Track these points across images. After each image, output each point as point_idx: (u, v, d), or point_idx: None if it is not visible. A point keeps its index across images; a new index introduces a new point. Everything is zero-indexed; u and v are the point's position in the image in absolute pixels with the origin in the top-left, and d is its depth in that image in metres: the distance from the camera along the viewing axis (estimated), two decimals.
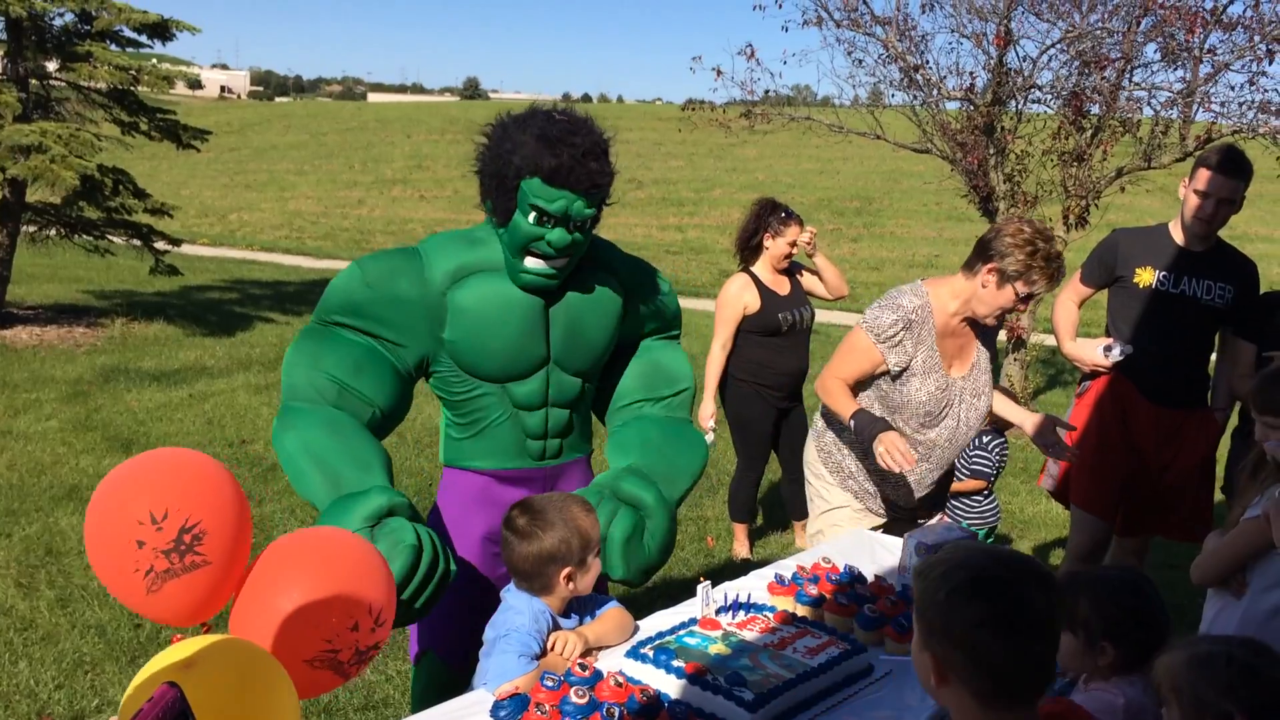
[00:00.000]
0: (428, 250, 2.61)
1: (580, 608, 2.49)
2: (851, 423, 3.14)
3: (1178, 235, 3.98)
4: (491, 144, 2.53)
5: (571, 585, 2.37)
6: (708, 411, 5.32)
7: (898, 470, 2.99)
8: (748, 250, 5.26)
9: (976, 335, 3.39)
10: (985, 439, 4.95)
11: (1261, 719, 1.58)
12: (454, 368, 2.64)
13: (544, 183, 2.42)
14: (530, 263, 2.52)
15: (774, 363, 5.22)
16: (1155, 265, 3.96)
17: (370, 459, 2.47)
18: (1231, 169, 3.78)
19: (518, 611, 2.33)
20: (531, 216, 2.45)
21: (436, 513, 2.80)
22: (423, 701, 2.61)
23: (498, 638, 2.29)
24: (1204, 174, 3.82)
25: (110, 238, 10.78)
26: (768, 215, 5.19)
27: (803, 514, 5.54)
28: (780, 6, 9.29)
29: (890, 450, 2.95)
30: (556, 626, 2.37)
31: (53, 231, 10.60)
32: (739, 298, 5.17)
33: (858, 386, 3.33)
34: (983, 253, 3.17)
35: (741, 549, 5.49)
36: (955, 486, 4.97)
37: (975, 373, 3.39)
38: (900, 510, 3.45)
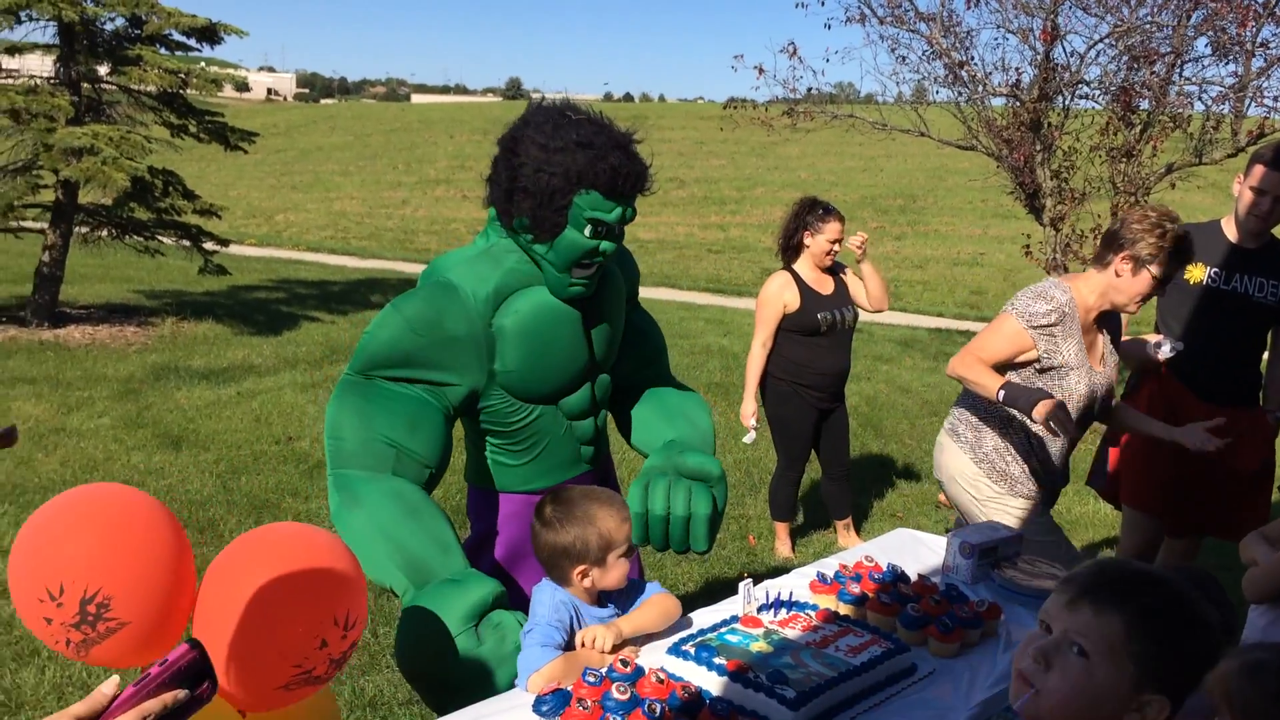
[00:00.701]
0: (459, 280, 2.50)
1: (619, 597, 2.47)
2: (1001, 394, 3.15)
3: (1230, 232, 3.92)
4: (527, 161, 2.39)
5: (589, 582, 2.34)
6: (749, 410, 5.31)
7: (1062, 436, 3.10)
8: (789, 250, 5.24)
9: (1101, 329, 3.48)
10: None
11: None
12: (507, 398, 2.56)
13: (604, 196, 2.37)
14: (577, 273, 2.46)
15: (813, 362, 5.19)
16: (1207, 262, 3.90)
17: (448, 539, 2.40)
18: None
19: (539, 603, 2.33)
20: (588, 230, 2.39)
21: (491, 538, 2.74)
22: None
23: (524, 633, 2.29)
24: (1260, 170, 3.76)
25: (160, 238, 10.96)
26: (807, 213, 5.16)
27: (844, 513, 5.55)
28: (823, 4, 9.29)
29: (1053, 414, 3.00)
30: (579, 616, 2.35)
31: (104, 232, 10.80)
32: (779, 296, 5.15)
33: (996, 372, 3.35)
34: (1112, 243, 3.23)
35: (783, 548, 5.47)
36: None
37: (1107, 366, 3.48)
38: (1044, 479, 3.47)
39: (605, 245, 2.44)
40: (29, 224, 10.59)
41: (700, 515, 2.55)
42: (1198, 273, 3.91)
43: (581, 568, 2.33)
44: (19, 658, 3.97)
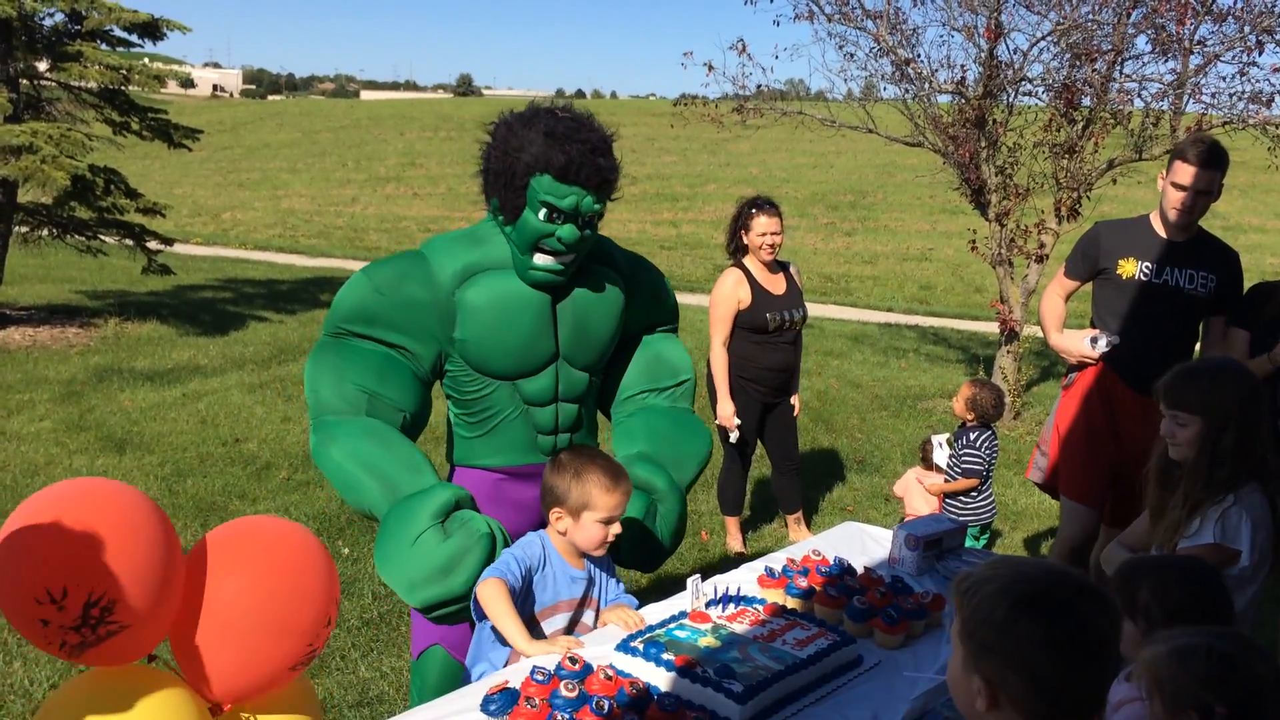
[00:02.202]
0: (432, 252, 2.63)
1: (601, 572, 2.62)
2: None
3: (1158, 226, 4.01)
4: (497, 142, 2.55)
5: (563, 528, 2.49)
6: (727, 411, 5.22)
7: None
8: (737, 250, 5.26)
9: None
10: (973, 435, 4.95)
11: (1242, 712, 1.57)
12: (464, 367, 2.66)
13: (555, 179, 2.45)
14: (539, 259, 2.55)
15: (759, 359, 5.21)
16: (1138, 256, 3.98)
17: (419, 462, 2.54)
18: (1206, 160, 3.79)
19: (518, 542, 2.52)
20: (542, 213, 2.47)
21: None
22: (426, 695, 2.63)
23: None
24: (1179, 166, 3.83)
25: (102, 238, 10.76)
26: (743, 211, 5.21)
27: (795, 507, 5.58)
28: (771, 0, 9.30)
29: None
30: (548, 561, 2.50)
31: (45, 232, 10.58)
32: (733, 293, 5.16)
33: None
34: None
35: (734, 542, 5.50)
36: (948, 487, 4.97)
37: None
38: None
39: (563, 232, 2.49)
40: None
41: (622, 545, 2.66)
42: (1130, 267, 3.99)
43: (557, 511, 2.47)
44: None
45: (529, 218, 2.49)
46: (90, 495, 1.92)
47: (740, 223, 5.20)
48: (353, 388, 2.56)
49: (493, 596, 2.33)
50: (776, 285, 5.24)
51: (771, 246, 5.15)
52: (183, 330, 10.57)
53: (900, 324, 14.14)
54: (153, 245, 10.77)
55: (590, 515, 2.44)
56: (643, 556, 2.68)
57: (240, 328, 10.99)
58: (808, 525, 5.71)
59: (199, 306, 12.26)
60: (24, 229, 10.45)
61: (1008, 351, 8.72)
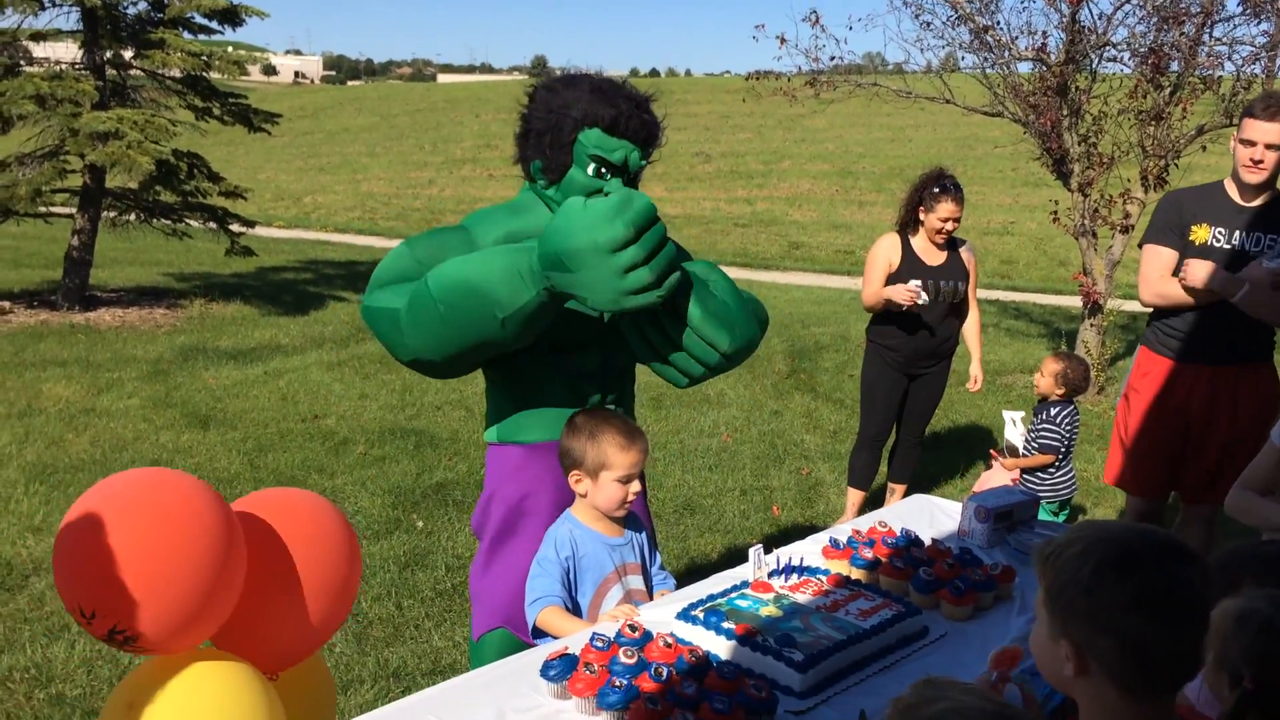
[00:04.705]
0: (474, 223, 2.60)
1: (642, 536, 2.61)
2: None
3: (1232, 191, 3.89)
4: (539, 104, 2.51)
5: (583, 490, 2.50)
6: (907, 288, 4.97)
7: None
8: (908, 225, 5.12)
9: None
10: (1053, 410, 4.84)
11: (1273, 691, 1.50)
12: None
13: (605, 132, 2.42)
14: None
15: (900, 327, 5.11)
16: (1210, 222, 3.89)
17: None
18: (1274, 113, 3.67)
19: (547, 541, 2.52)
20: (591, 168, 2.44)
21: (495, 497, 2.73)
22: None
23: (535, 560, 2.52)
24: (1248, 123, 3.73)
25: (187, 221, 11.03)
26: (925, 189, 5.03)
27: (903, 478, 5.48)
28: None
29: None
30: (577, 545, 2.49)
31: (132, 216, 10.88)
32: (885, 254, 5.08)
33: None
34: None
35: (849, 518, 5.40)
36: (1023, 463, 4.86)
37: None
38: None
39: (610, 187, 2.45)
40: (58, 209, 10.70)
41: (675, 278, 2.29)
42: (1202, 233, 3.89)
43: (576, 474, 2.49)
44: (50, 633, 4.02)
45: (576, 175, 2.46)
46: (151, 506, 1.85)
47: (920, 199, 5.05)
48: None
49: (555, 623, 2.37)
50: (935, 257, 5.09)
51: (949, 232, 5.02)
52: (265, 310, 10.80)
53: (980, 299, 13.88)
54: (235, 228, 11.01)
55: (608, 475, 2.44)
56: (711, 320, 2.33)
57: (320, 308, 11.19)
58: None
59: (280, 287, 12.51)
60: (112, 213, 10.76)
61: (1091, 325, 8.50)
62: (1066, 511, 5.05)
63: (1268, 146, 3.69)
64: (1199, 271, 3.79)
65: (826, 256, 18.41)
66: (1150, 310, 4.12)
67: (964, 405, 7.80)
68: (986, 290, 14.65)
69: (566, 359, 2.61)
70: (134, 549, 1.78)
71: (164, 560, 1.80)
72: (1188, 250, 3.91)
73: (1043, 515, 4.89)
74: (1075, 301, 10.41)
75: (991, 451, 5.37)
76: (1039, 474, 4.88)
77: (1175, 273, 3.94)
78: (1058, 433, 4.81)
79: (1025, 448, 4.94)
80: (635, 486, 2.47)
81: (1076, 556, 1.47)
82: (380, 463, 6.10)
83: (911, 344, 5.15)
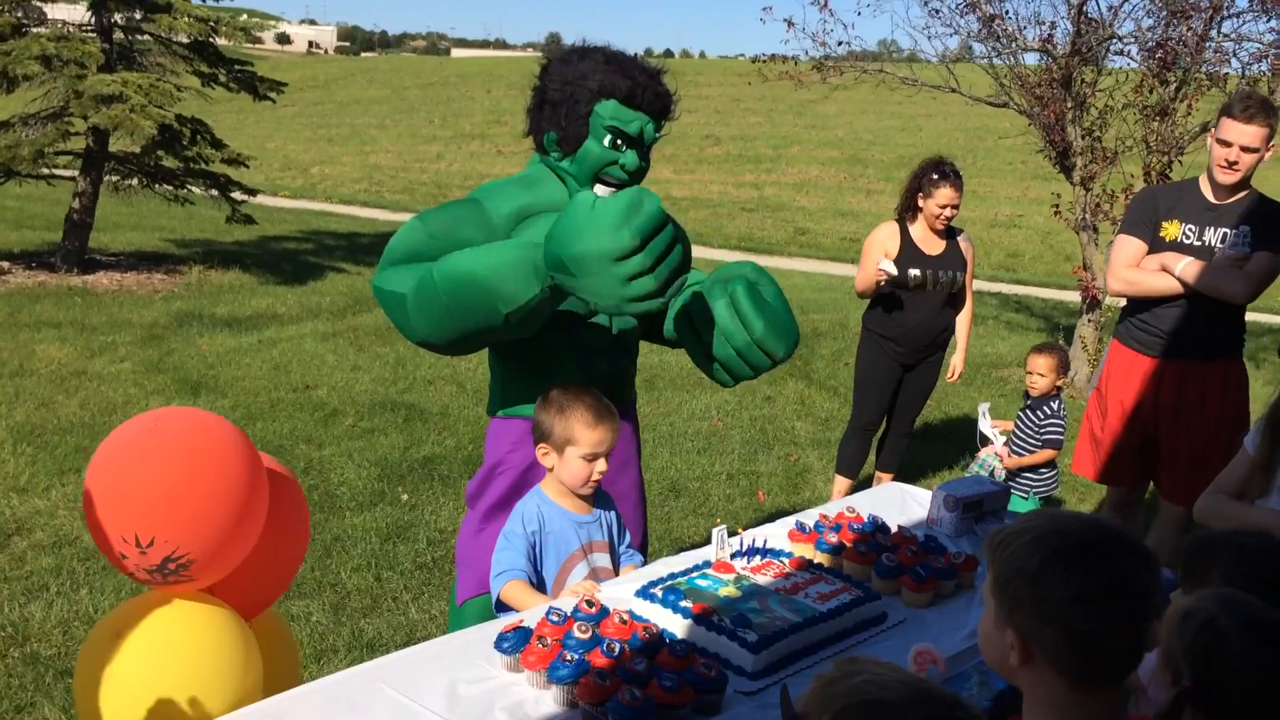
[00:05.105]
0: (486, 196, 2.59)
1: (611, 514, 2.62)
2: None
3: (1206, 188, 3.90)
4: (553, 75, 2.51)
5: (550, 463, 2.50)
6: (881, 269, 5.03)
7: None
8: (909, 210, 5.11)
9: None
10: (1055, 405, 4.81)
11: (1209, 693, 1.49)
12: None
13: (621, 103, 2.43)
14: (600, 190, 2.49)
15: (896, 316, 5.11)
16: (1181, 218, 3.90)
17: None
18: (1253, 115, 3.66)
19: (515, 515, 2.53)
20: (606, 140, 2.45)
21: (500, 467, 2.72)
22: None
23: (502, 534, 2.52)
24: (1224, 122, 3.72)
25: (189, 187, 11.02)
26: (924, 175, 5.03)
27: (891, 468, 5.48)
28: None
29: None
30: (544, 519, 2.50)
31: (134, 181, 10.87)
32: (881, 242, 5.08)
33: None
34: None
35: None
36: (1028, 460, 4.83)
37: None
38: None
39: (625, 159, 2.47)
40: (61, 171, 10.68)
41: (736, 293, 2.41)
42: (1173, 229, 3.90)
43: (543, 446, 2.50)
44: (29, 592, 4.05)
45: (591, 146, 2.46)
46: (209, 442, 1.92)
47: (919, 185, 5.04)
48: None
49: (518, 597, 2.37)
50: (933, 246, 5.08)
51: (947, 219, 5.01)
52: (263, 279, 10.80)
53: (982, 290, 13.81)
54: (237, 195, 10.99)
55: (574, 450, 2.44)
56: (767, 324, 2.36)
57: (318, 278, 11.19)
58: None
59: (281, 257, 12.51)
60: (114, 177, 10.75)
61: (1089, 320, 8.48)
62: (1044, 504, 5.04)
63: (1244, 149, 3.69)
64: (1168, 261, 3.84)
65: (831, 244, 18.36)
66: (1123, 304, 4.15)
67: (956, 397, 7.79)
68: (990, 283, 14.61)
69: (577, 332, 2.60)
70: (186, 477, 1.87)
71: (214, 486, 1.89)
72: (1157, 245, 3.93)
73: (1031, 505, 4.88)
74: (1078, 296, 10.39)
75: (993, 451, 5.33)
76: (1040, 470, 4.86)
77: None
78: (1061, 426, 4.78)
79: (1024, 447, 4.88)
80: (601, 465, 2.46)
81: (1026, 545, 1.46)
82: (369, 435, 6.11)
83: (908, 334, 5.13)
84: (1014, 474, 4.87)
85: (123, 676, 1.93)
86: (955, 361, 5.44)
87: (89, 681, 1.95)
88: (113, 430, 2.07)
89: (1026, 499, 4.91)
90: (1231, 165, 3.72)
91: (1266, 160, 3.79)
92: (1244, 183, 3.82)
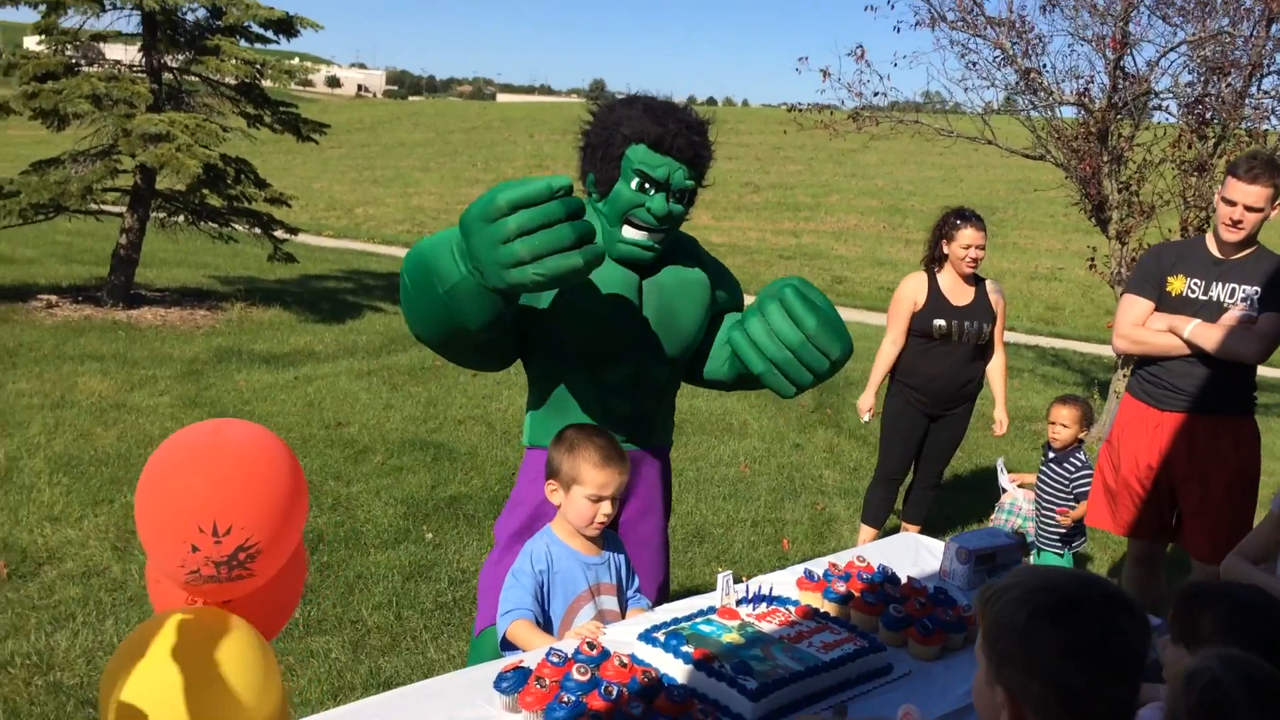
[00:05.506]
0: None
1: (620, 557, 2.62)
2: None
3: (1212, 245, 3.93)
4: (598, 119, 2.63)
5: (558, 500, 2.54)
6: (866, 404, 5.33)
7: None
8: (935, 260, 5.13)
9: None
10: (1083, 456, 4.78)
11: None
12: (544, 346, 2.66)
13: (649, 149, 2.51)
14: (628, 232, 2.57)
15: (922, 365, 5.10)
16: (1187, 273, 3.92)
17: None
18: (1257, 176, 3.70)
19: (524, 553, 2.54)
20: (634, 183, 2.52)
21: (519, 498, 2.79)
22: None
23: (510, 572, 2.53)
24: (1230, 181, 3.77)
25: (233, 225, 11.23)
26: (947, 222, 5.07)
27: (916, 519, 5.44)
28: (893, 7, 9.17)
29: None
30: (552, 560, 2.50)
31: (180, 218, 11.10)
32: (910, 294, 5.09)
33: None
34: None
35: None
36: (1076, 514, 4.77)
37: None
38: None
39: (652, 204, 2.52)
40: (109, 207, 10.93)
41: (786, 295, 2.42)
42: (1178, 284, 3.92)
43: (552, 483, 2.55)
44: (55, 621, 4.10)
45: (621, 188, 2.54)
46: (261, 439, 2.03)
47: (943, 232, 5.07)
48: None
49: (524, 636, 2.39)
50: (961, 296, 5.07)
51: (974, 260, 5.00)
52: (303, 317, 10.96)
53: (1020, 343, 13.72)
54: (279, 234, 11.19)
55: (579, 490, 2.46)
56: (820, 320, 2.36)
57: (357, 317, 11.34)
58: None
59: (321, 295, 12.69)
60: (161, 214, 10.98)
61: (1123, 375, 8.39)
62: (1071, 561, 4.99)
63: (1247, 208, 3.72)
64: (1176, 323, 3.87)
65: (869, 293, 18.35)
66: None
67: (986, 448, 7.73)
68: (1028, 335, 14.53)
69: (598, 370, 2.64)
70: (256, 467, 1.95)
71: (278, 477, 1.97)
72: (1163, 300, 3.94)
73: (1066, 562, 4.83)
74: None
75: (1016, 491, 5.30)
76: (1063, 529, 4.83)
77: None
78: (1089, 475, 4.74)
79: (1058, 503, 4.84)
80: (606, 508, 2.48)
81: (1014, 601, 1.46)
82: (397, 473, 6.16)
83: (934, 385, 5.11)
84: (1067, 530, 4.83)
85: (149, 695, 1.96)
86: (999, 415, 5.39)
87: (114, 696, 1.98)
88: (162, 443, 2.13)
89: (1062, 556, 4.86)
90: (1236, 224, 3.75)
91: (1272, 218, 3.81)
92: (1250, 239, 3.84)
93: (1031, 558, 4.96)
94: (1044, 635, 1.42)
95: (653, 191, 2.52)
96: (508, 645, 2.44)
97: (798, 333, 2.36)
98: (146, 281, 11.91)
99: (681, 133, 2.51)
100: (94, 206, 10.25)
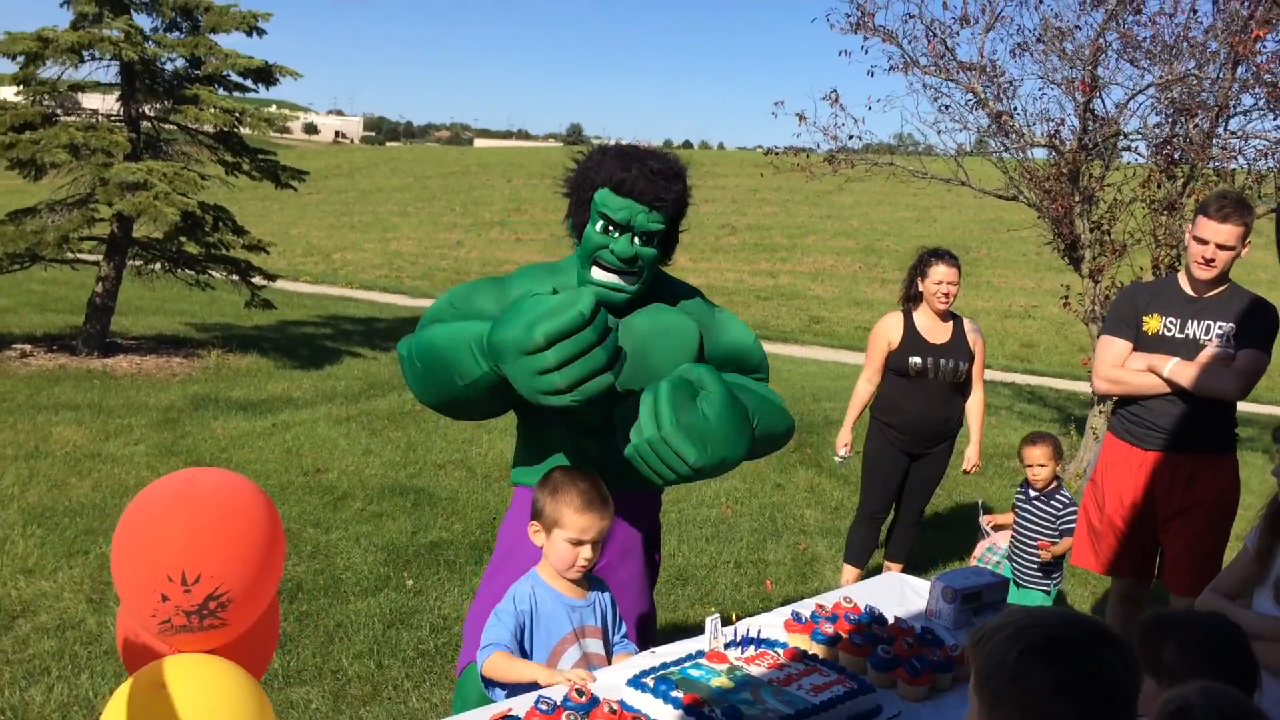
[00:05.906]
0: (514, 275, 2.79)
1: (606, 597, 2.62)
2: None
3: (1184, 283, 3.99)
4: (577, 166, 2.71)
5: (540, 541, 2.54)
6: (843, 440, 5.40)
7: None
8: (910, 300, 5.20)
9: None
10: (1066, 494, 4.80)
11: None
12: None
13: (611, 192, 2.55)
14: (596, 274, 2.61)
15: (900, 403, 5.14)
16: (1161, 312, 3.97)
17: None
18: (1227, 215, 3.76)
19: (510, 592, 2.53)
20: (599, 225, 2.57)
21: (501, 532, 2.86)
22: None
23: (494, 611, 2.52)
24: (1200, 220, 3.83)
25: (211, 272, 11.19)
26: (921, 261, 5.16)
27: (899, 557, 5.45)
28: (866, 52, 9.31)
29: None
30: (536, 602, 2.50)
31: (157, 265, 11.05)
32: (885, 333, 5.16)
33: None
34: None
35: None
36: (1052, 551, 4.78)
37: None
38: None
39: (616, 246, 2.55)
40: (85, 256, 10.89)
41: (658, 390, 2.36)
42: (1154, 323, 3.97)
43: (535, 524, 2.56)
44: (30, 675, 4.03)
45: (589, 231, 2.60)
46: (233, 485, 2.03)
47: (918, 270, 5.15)
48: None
49: (502, 665, 2.38)
50: (938, 334, 5.13)
51: (946, 295, 5.06)
52: (280, 363, 10.91)
53: (996, 380, 13.80)
54: (257, 280, 11.16)
55: (560, 533, 2.46)
56: (679, 428, 2.29)
57: (335, 362, 11.29)
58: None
59: (299, 341, 12.64)
60: (138, 262, 10.94)
61: (1100, 412, 8.46)
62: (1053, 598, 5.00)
63: (1220, 246, 3.78)
64: (1155, 362, 3.91)
65: (846, 332, 18.45)
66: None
67: (967, 486, 7.75)
68: (1004, 373, 14.62)
69: (572, 411, 2.61)
70: (228, 516, 1.95)
71: (251, 526, 1.97)
72: (1140, 340, 3.99)
73: (1048, 600, 4.83)
74: (1089, 387, 10.39)
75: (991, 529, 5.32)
76: (1061, 561, 4.84)
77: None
78: (1075, 511, 4.76)
79: (1031, 533, 4.85)
80: (586, 552, 2.48)
81: (1004, 641, 1.47)
82: (377, 519, 6.11)
83: (913, 423, 5.15)
84: (1044, 566, 4.83)
85: None
86: (970, 453, 5.43)
87: None
88: (139, 492, 2.11)
89: (1049, 593, 4.85)
90: (1209, 262, 3.81)
91: (1243, 256, 3.86)
92: (1222, 277, 3.90)
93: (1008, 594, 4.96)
94: (1035, 673, 1.43)
95: (616, 234, 2.56)
96: (489, 683, 2.43)
97: (654, 428, 2.31)
98: (122, 329, 11.84)
99: (644, 176, 2.55)
100: (70, 255, 10.19)
